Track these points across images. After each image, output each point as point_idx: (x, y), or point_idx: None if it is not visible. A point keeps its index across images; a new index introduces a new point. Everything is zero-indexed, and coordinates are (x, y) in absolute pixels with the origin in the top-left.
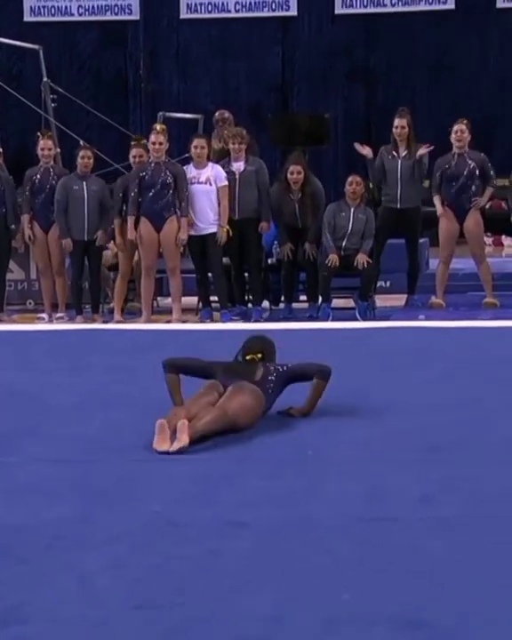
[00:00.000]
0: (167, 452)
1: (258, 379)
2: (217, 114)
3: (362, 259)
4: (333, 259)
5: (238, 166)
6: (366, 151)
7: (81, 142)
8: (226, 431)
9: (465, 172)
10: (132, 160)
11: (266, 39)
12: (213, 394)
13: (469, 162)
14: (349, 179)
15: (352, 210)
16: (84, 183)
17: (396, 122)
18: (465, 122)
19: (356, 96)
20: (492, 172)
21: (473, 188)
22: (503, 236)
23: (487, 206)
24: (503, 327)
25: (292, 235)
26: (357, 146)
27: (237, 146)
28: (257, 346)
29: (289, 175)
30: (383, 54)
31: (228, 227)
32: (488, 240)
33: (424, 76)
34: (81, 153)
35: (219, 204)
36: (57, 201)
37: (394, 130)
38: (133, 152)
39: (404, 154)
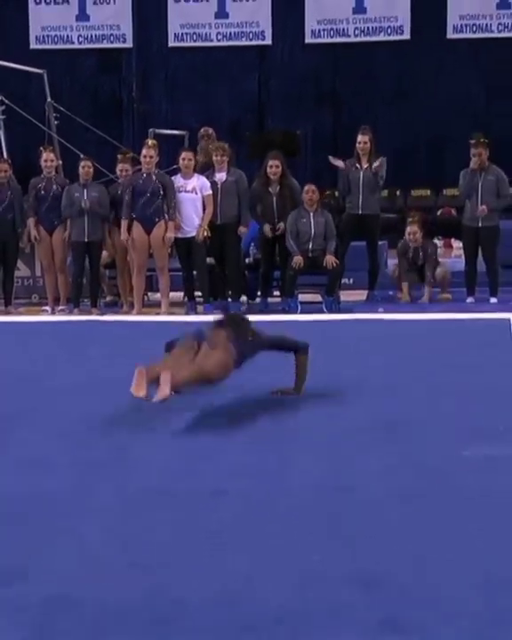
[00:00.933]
0: (144, 399)
1: (231, 339)
2: (201, 130)
3: (330, 260)
4: (298, 260)
5: (221, 177)
6: (339, 163)
7: (81, 155)
8: (202, 384)
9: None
10: (119, 173)
11: (244, 65)
12: (190, 352)
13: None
14: (306, 187)
15: (311, 214)
16: (85, 190)
17: (359, 138)
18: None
19: (323, 116)
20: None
21: None
22: (453, 240)
23: (438, 213)
24: (449, 319)
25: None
26: (331, 159)
27: (220, 158)
28: (226, 317)
29: (268, 169)
30: (348, 79)
31: (207, 228)
32: (439, 243)
33: (383, 98)
34: (82, 163)
35: (203, 210)
36: (64, 206)
37: (357, 145)
38: (120, 166)
39: (365, 166)
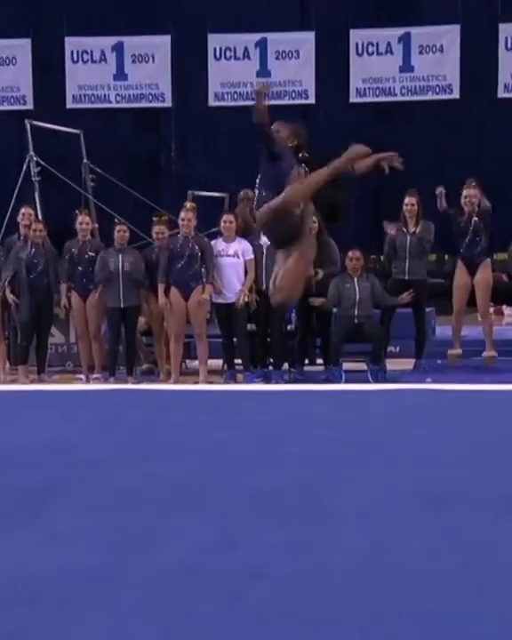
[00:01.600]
0: None
1: None
2: (241, 193)
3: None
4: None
5: (265, 240)
6: (392, 229)
7: (116, 219)
8: None
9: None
10: (155, 236)
11: None
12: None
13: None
14: (350, 254)
15: (355, 280)
16: (120, 256)
17: (407, 200)
18: (474, 184)
19: (368, 177)
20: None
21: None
22: (504, 306)
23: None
24: (501, 390)
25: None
26: (386, 224)
27: None
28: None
29: None
30: (393, 139)
31: (248, 292)
32: (491, 309)
33: (430, 159)
34: (117, 228)
35: (245, 276)
36: (97, 271)
37: (404, 207)
38: (156, 229)
39: (412, 230)
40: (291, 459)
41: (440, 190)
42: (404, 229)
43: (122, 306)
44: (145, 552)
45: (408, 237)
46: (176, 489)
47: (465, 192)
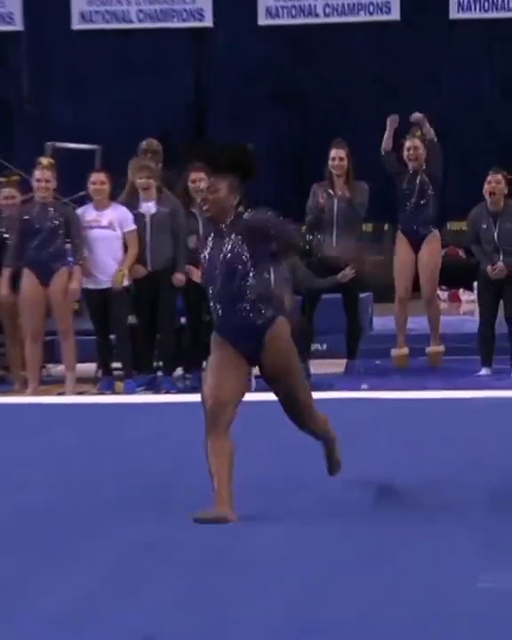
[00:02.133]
0: None
1: None
2: (144, 143)
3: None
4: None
5: (148, 207)
6: (323, 195)
7: None
8: None
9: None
10: (3, 201)
11: (176, 55)
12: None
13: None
14: None
15: None
16: None
17: (333, 153)
18: (418, 133)
19: (283, 123)
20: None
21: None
22: (461, 291)
23: (442, 253)
24: (454, 399)
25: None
26: (316, 187)
27: (145, 181)
28: None
29: (190, 186)
30: (315, 74)
31: (127, 272)
32: (443, 295)
33: (364, 99)
34: None
35: (125, 252)
36: None
37: (330, 163)
38: (4, 192)
39: (340, 193)
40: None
41: (393, 118)
42: (331, 191)
43: None
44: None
45: (335, 202)
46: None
47: (408, 143)
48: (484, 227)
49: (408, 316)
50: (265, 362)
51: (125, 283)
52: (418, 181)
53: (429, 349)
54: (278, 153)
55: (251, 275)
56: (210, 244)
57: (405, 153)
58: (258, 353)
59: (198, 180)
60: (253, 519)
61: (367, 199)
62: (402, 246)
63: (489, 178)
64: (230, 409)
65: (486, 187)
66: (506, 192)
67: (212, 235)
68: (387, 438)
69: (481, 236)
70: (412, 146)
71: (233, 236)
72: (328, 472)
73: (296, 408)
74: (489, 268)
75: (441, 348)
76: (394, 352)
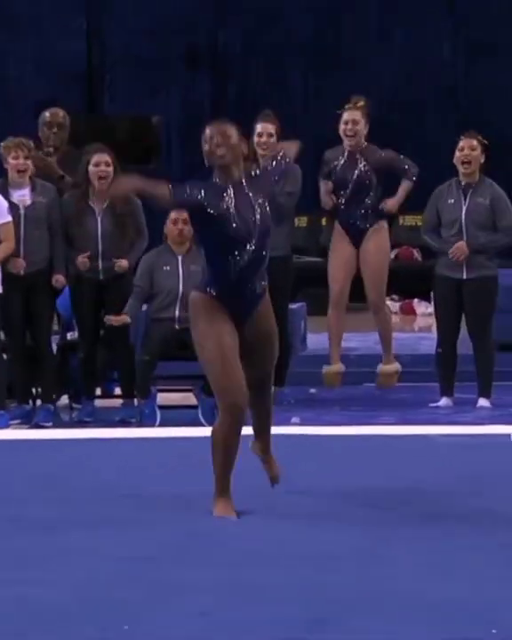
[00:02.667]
0: None
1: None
2: (48, 114)
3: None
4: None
5: (21, 195)
6: None
7: None
8: None
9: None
10: None
11: (63, 9)
12: None
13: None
14: (172, 214)
15: (179, 259)
16: None
17: (259, 128)
18: (360, 104)
19: (198, 90)
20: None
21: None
22: (416, 301)
23: (392, 256)
24: (409, 435)
25: (94, 281)
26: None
27: (18, 162)
28: None
29: (91, 170)
30: (237, 31)
31: None
32: (394, 306)
33: (300, 60)
34: None
35: None
36: None
37: (256, 139)
38: None
39: None
40: None
41: (326, 182)
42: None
43: None
44: None
45: None
46: None
47: (345, 115)
48: (451, 201)
49: (347, 332)
50: (255, 326)
51: None
52: (357, 167)
53: (380, 369)
54: (193, 127)
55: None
56: (231, 196)
57: (342, 126)
58: (246, 319)
59: (102, 162)
60: None
61: (299, 186)
62: (339, 242)
63: (461, 144)
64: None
65: (458, 154)
66: (482, 161)
67: (231, 187)
68: (318, 485)
69: (443, 216)
70: (351, 119)
71: (259, 198)
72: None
73: (267, 381)
74: (458, 245)
75: (394, 366)
76: (325, 369)
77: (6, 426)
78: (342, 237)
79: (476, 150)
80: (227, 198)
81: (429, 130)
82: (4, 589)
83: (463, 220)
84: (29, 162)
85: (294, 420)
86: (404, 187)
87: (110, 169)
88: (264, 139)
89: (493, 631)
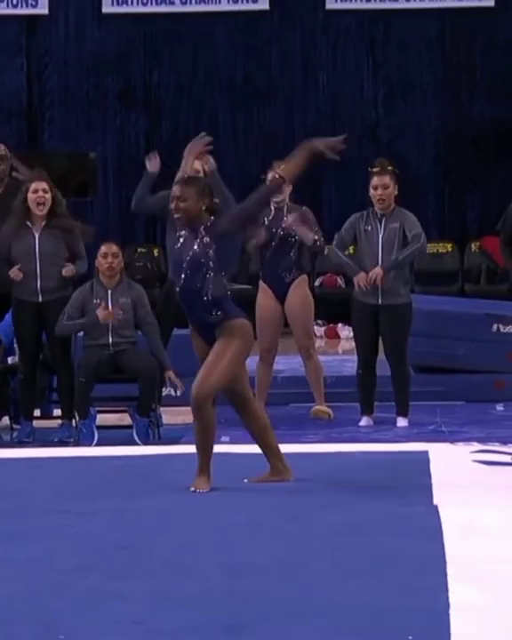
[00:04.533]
0: None
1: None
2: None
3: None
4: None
5: None
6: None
7: None
8: None
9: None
10: None
11: (4, 46)
12: None
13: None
14: (103, 248)
15: (109, 292)
16: None
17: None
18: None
19: (133, 126)
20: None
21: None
22: (339, 325)
23: (317, 284)
24: (329, 453)
25: (34, 304)
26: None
27: None
28: None
29: (30, 196)
30: (170, 69)
31: None
32: (319, 330)
33: (226, 97)
34: None
35: None
36: None
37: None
38: None
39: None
40: None
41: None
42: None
43: None
44: None
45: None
46: None
47: (271, 174)
48: (368, 228)
49: (278, 357)
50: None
51: None
52: (276, 225)
53: (314, 409)
54: (129, 163)
55: (210, 276)
56: (182, 240)
57: (372, 191)
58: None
59: (39, 189)
60: None
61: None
62: (264, 297)
63: (374, 182)
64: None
65: (372, 192)
66: (396, 193)
67: (187, 232)
68: (243, 500)
69: (361, 243)
70: (274, 180)
71: (206, 238)
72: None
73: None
74: (361, 275)
75: (326, 409)
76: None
77: None
78: (266, 293)
79: (389, 188)
80: (179, 241)
81: (350, 166)
82: None
83: (380, 248)
84: None
85: (224, 438)
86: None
87: (48, 195)
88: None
89: (409, 638)
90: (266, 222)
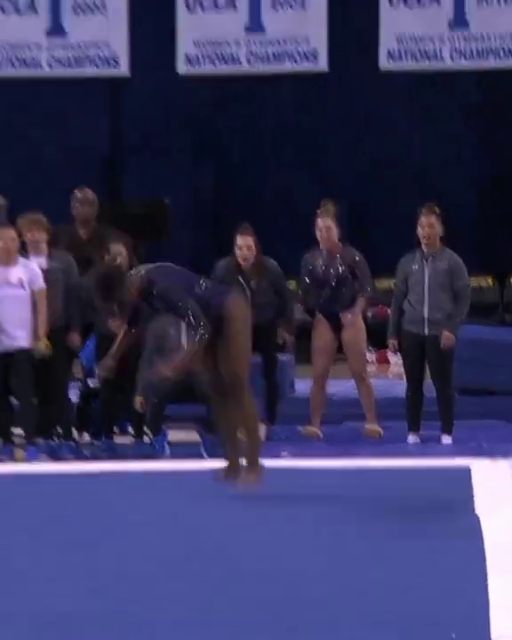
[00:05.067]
0: None
1: None
2: (78, 192)
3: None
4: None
5: (39, 263)
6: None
7: None
8: None
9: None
10: None
11: (89, 105)
12: None
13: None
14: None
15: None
16: None
17: (239, 241)
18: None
19: (204, 177)
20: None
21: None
22: (389, 351)
23: (369, 315)
24: (386, 468)
25: None
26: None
27: (35, 235)
28: None
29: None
30: (237, 125)
31: (45, 339)
32: (371, 356)
33: (288, 152)
34: None
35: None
36: None
37: (237, 251)
38: None
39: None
40: None
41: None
42: (242, 281)
43: None
44: None
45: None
46: None
47: (319, 222)
48: (415, 267)
49: (331, 379)
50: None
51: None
52: (333, 267)
53: (367, 427)
54: (199, 209)
55: None
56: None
57: (317, 232)
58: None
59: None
60: None
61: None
62: (321, 328)
63: (422, 220)
64: None
65: (420, 231)
66: (441, 234)
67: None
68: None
69: (410, 279)
70: (324, 226)
71: None
72: None
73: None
74: (391, 342)
75: (377, 428)
76: (305, 428)
77: (36, 459)
78: (323, 324)
79: (434, 227)
80: None
81: (402, 213)
82: None
83: (426, 286)
84: (42, 235)
85: (283, 453)
86: (360, 303)
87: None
88: (244, 251)
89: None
90: (322, 266)
